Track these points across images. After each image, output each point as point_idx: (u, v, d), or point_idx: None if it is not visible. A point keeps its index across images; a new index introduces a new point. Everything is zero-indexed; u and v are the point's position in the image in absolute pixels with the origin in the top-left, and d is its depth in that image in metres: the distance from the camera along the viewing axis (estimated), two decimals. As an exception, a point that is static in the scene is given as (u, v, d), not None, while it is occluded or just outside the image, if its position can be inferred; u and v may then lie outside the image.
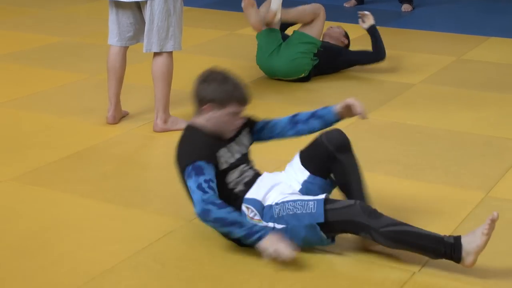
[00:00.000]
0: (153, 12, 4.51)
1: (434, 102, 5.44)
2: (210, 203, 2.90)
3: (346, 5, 9.04)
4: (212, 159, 3.03)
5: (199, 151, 3.07)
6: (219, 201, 2.93)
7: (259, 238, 2.90)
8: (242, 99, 3.03)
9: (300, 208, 2.96)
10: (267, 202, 3.06)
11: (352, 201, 2.98)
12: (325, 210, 2.88)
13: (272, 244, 2.76)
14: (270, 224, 2.97)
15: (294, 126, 3.34)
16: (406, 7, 8.63)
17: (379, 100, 5.38)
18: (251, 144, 3.35)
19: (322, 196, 2.97)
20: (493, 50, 6.87)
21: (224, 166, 3.08)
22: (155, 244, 3.23)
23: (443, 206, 3.76)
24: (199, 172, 2.97)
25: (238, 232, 2.94)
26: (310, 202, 2.94)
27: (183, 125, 4.67)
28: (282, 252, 2.75)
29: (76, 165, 4.28)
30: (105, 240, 3.28)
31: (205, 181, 2.97)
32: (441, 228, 3.34)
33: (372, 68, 6.12)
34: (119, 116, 4.84)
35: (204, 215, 2.94)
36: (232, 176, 3.13)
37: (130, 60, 4.99)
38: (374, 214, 2.92)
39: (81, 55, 6.50)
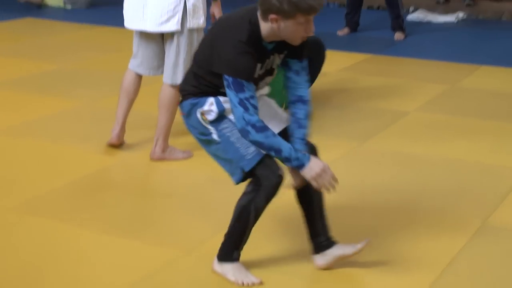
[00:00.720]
0: (180, 45, 4.62)
1: (429, 130, 5.48)
2: (250, 125, 2.96)
3: (340, 33, 9.07)
4: (252, 75, 3.05)
5: (243, 65, 3.03)
6: (259, 124, 2.98)
7: (299, 166, 3.01)
8: (309, 9, 2.87)
9: (241, 147, 3.06)
10: (230, 115, 3.10)
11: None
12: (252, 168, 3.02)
13: (316, 170, 2.95)
14: (212, 130, 3.08)
15: (293, 108, 3.23)
16: (398, 36, 8.70)
17: (374, 128, 5.42)
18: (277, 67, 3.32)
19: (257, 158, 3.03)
20: (486, 78, 6.94)
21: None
22: (154, 275, 3.25)
23: (440, 234, 3.76)
24: (240, 88, 3.02)
25: (277, 156, 3.05)
26: (250, 149, 3.05)
27: (180, 155, 4.73)
28: (325, 180, 2.98)
29: (73, 193, 4.28)
30: (103, 272, 3.31)
31: (246, 98, 3.00)
32: (438, 255, 3.49)
33: (367, 95, 6.20)
34: (123, 136, 4.89)
35: (243, 134, 3.02)
36: None
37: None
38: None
39: (78, 82, 6.50)
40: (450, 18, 9.99)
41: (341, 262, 3.30)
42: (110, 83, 6.31)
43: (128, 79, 4.92)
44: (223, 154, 3.16)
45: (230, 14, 3.16)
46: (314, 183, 3.01)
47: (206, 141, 3.20)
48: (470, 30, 9.57)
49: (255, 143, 2.98)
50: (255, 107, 2.99)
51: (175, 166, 4.76)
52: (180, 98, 3.28)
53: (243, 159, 3.06)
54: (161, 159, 4.85)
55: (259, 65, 3.06)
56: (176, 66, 4.68)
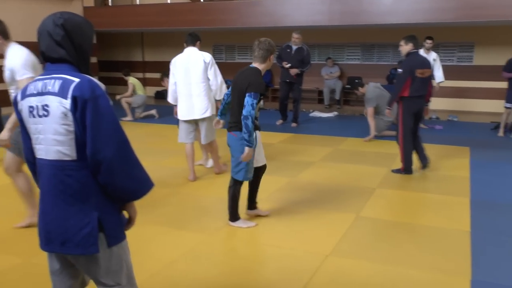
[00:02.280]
0: (204, 124, 5.33)
1: (325, 169, 5.90)
2: (251, 117, 3.57)
3: (278, 123, 9.37)
4: (263, 92, 3.69)
5: (262, 87, 3.66)
6: (253, 118, 3.59)
7: (248, 145, 3.60)
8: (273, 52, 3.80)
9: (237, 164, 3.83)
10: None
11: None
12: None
13: (250, 154, 3.61)
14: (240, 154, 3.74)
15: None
16: (294, 124, 9.17)
17: (300, 168, 5.77)
18: None
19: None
20: (351, 144, 7.54)
21: (262, 97, 3.72)
22: (189, 252, 3.69)
23: (330, 222, 4.21)
24: (256, 98, 3.59)
25: (246, 136, 3.60)
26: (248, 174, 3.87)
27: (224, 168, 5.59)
28: (248, 158, 3.66)
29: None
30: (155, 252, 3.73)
31: (256, 103, 3.60)
32: (332, 234, 3.88)
33: (291, 153, 6.56)
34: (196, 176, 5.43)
35: (244, 119, 3.56)
36: (259, 106, 3.74)
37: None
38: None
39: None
40: (330, 114, 10.93)
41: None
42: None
43: (188, 148, 5.42)
44: (240, 164, 3.84)
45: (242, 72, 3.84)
46: (243, 156, 3.66)
47: (237, 153, 3.82)
48: (340, 120, 10.29)
49: (245, 125, 3.58)
50: (255, 110, 3.63)
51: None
52: (231, 126, 3.83)
53: (246, 175, 3.89)
54: (220, 172, 5.61)
55: None
56: (205, 135, 5.40)
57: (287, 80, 9.06)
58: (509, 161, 6.62)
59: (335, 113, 11.31)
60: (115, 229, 1.91)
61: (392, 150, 7.10)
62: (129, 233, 2.02)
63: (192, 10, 11.61)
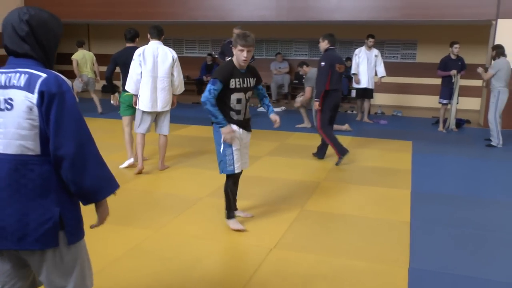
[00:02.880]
0: (167, 117, 5.51)
1: (272, 164, 5.95)
2: (208, 101, 3.56)
3: None
4: (224, 81, 3.59)
5: (221, 73, 3.62)
6: (213, 102, 3.57)
7: (220, 126, 3.59)
8: (242, 44, 3.54)
9: (225, 158, 3.72)
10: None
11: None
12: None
13: (227, 131, 3.53)
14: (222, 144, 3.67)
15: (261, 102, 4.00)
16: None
17: (255, 158, 6.07)
18: (253, 87, 3.83)
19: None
20: (299, 139, 7.66)
21: (232, 86, 3.64)
22: (136, 247, 3.75)
23: (276, 217, 4.29)
24: (214, 84, 3.57)
25: (214, 119, 3.61)
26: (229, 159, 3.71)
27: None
28: (227, 137, 3.57)
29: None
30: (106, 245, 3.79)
31: (214, 89, 3.57)
32: (278, 227, 3.97)
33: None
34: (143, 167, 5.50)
35: (203, 104, 3.57)
36: (234, 97, 3.66)
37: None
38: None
39: None
40: (278, 109, 11.01)
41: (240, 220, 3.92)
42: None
43: (140, 137, 5.53)
44: (219, 156, 3.76)
45: None
46: (223, 137, 3.61)
47: (216, 146, 3.75)
48: (288, 115, 10.30)
49: (206, 110, 3.58)
50: (214, 96, 3.58)
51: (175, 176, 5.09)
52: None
53: (226, 168, 3.74)
54: (164, 168, 5.65)
55: (238, 78, 3.65)
56: (165, 125, 5.58)
57: None
58: (447, 154, 6.92)
59: (283, 107, 11.44)
60: (75, 227, 1.88)
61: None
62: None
63: (139, 2, 11.40)
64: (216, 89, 3.60)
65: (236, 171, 3.75)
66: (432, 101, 12.02)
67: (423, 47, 12.15)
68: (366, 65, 9.45)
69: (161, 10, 11.11)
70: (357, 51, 9.60)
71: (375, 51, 9.41)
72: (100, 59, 11.76)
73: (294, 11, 10.35)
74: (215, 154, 3.84)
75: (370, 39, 9.28)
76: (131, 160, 5.73)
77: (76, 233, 1.88)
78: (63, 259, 1.87)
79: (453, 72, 8.42)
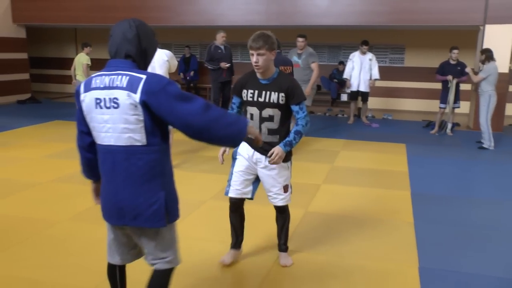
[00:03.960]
0: None
1: None
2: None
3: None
4: (236, 92, 3.07)
5: (235, 84, 3.09)
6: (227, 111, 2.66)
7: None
8: (249, 46, 2.87)
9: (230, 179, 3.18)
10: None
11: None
12: None
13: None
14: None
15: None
16: None
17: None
18: (278, 105, 2.95)
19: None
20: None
21: (245, 98, 3.04)
22: None
23: None
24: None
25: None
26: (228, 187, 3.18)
27: None
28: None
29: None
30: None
31: (232, 103, 3.14)
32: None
33: None
34: None
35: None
36: (248, 111, 3.03)
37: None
38: None
39: None
40: None
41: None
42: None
43: None
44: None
45: None
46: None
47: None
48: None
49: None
50: (233, 108, 3.07)
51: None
52: None
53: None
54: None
55: (250, 90, 2.99)
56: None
57: (222, 81, 8.65)
58: (442, 156, 7.03)
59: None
60: (175, 208, 2.17)
61: (334, 148, 7.33)
62: None
63: (125, 6, 11.33)
64: (234, 102, 3.16)
65: (229, 194, 3.20)
66: (420, 104, 12.24)
67: (411, 51, 12.32)
68: (358, 69, 9.56)
69: (150, 15, 11.06)
70: (351, 55, 9.73)
71: (369, 55, 9.57)
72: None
73: (284, 16, 10.41)
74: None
75: (364, 46, 9.44)
76: None
77: (175, 213, 2.18)
78: (164, 235, 2.16)
79: (449, 77, 8.53)
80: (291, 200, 3.25)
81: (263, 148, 3.00)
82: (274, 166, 3.05)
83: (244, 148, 3.10)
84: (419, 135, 8.78)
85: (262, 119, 2.97)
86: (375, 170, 6.16)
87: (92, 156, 2.22)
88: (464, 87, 11.00)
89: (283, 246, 3.36)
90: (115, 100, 2.01)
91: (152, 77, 2.01)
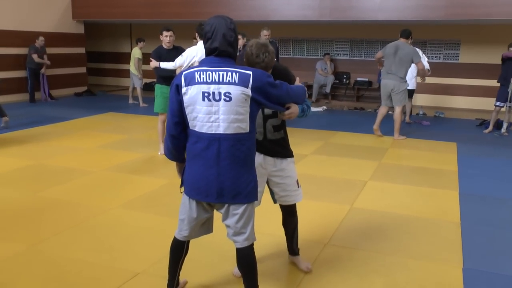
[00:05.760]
0: None
1: (318, 162, 6.03)
2: None
3: None
4: None
5: None
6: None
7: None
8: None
9: None
10: None
11: None
12: None
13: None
14: None
15: None
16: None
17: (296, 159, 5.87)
18: None
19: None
20: (341, 138, 7.69)
21: None
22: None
23: (327, 213, 4.34)
24: None
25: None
26: None
27: None
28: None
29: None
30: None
31: None
32: (329, 224, 4.06)
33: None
34: None
35: None
36: None
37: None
38: None
39: (158, 164, 5.65)
40: (319, 109, 11.06)
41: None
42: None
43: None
44: None
45: None
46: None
47: None
48: (328, 114, 10.45)
49: None
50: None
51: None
52: None
53: None
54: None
55: None
56: None
57: None
58: (494, 156, 6.80)
59: (324, 107, 11.45)
60: (257, 188, 2.50)
61: (382, 145, 7.26)
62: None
63: (180, 2, 11.58)
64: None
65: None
66: (474, 102, 11.82)
67: (466, 47, 11.92)
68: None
69: (205, 10, 11.22)
70: None
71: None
72: (144, 58, 12.04)
73: (337, 11, 10.34)
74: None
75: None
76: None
77: (257, 192, 2.50)
78: (249, 211, 2.47)
79: None
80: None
81: (270, 150, 2.90)
82: (284, 165, 2.97)
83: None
84: (471, 134, 8.53)
85: (266, 117, 2.81)
86: (423, 168, 6.05)
87: (182, 143, 2.46)
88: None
89: (297, 249, 3.26)
90: (227, 94, 2.29)
91: (255, 72, 2.33)
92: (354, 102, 12.60)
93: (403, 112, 9.54)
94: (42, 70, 11.40)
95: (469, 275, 3.21)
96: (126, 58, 13.61)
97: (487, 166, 6.21)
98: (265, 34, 7.68)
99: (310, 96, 12.48)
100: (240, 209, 2.45)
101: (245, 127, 2.35)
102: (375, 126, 7.91)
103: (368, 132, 8.17)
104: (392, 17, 9.97)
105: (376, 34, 12.35)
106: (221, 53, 2.35)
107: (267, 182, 3.00)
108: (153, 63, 5.85)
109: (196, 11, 11.43)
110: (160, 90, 6.06)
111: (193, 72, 2.33)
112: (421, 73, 7.88)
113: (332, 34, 12.91)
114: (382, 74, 8.04)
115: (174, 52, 5.94)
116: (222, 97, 2.29)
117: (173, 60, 5.79)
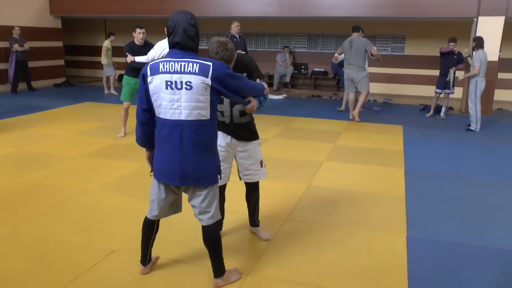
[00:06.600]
0: None
1: (279, 145, 5.95)
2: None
3: None
4: None
5: None
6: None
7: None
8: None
9: None
10: None
11: None
12: None
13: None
14: None
15: None
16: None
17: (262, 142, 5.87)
18: None
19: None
20: (300, 123, 7.65)
21: None
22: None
23: (286, 192, 4.39)
24: None
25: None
26: None
27: None
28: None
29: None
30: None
31: None
32: (288, 201, 4.01)
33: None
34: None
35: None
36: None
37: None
38: None
39: (131, 150, 5.30)
40: (280, 97, 11.03)
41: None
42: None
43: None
44: None
45: None
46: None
47: None
48: (288, 102, 10.41)
49: None
50: None
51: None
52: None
53: None
54: None
55: None
56: None
57: None
58: (436, 137, 6.96)
59: (284, 95, 11.43)
60: (220, 171, 2.48)
61: (336, 128, 7.30)
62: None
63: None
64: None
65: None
66: (418, 89, 12.10)
67: (411, 41, 12.15)
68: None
69: (173, 7, 10.96)
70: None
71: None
72: (115, 50, 11.81)
73: (295, 8, 10.32)
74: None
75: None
76: None
77: (219, 175, 2.48)
78: (213, 192, 2.47)
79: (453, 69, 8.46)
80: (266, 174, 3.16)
81: (236, 133, 2.94)
82: (249, 146, 3.01)
83: (221, 139, 2.92)
84: (415, 118, 8.70)
85: (232, 103, 2.82)
86: (373, 149, 6.14)
87: (150, 129, 2.43)
88: (459, 74, 10.85)
89: (257, 221, 3.30)
90: (188, 83, 2.27)
91: (215, 63, 2.30)
92: (311, 90, 12.66)
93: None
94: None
95: (412, 242, 3.29)
96: (101, 51, 13.24)
97: (429, 146, 6.35)
98: (236, 25, 8.05)
99: (271, 85, 12.49)
100: (204, 191, 2.46)
101: (206, 114, 2.33)
102: (355, 112, 8.07)
103: (325, 117, 8.22)
104: (345, 13, 10.03)
105: (331, 29, 12.43)
106: (183, 47, 2.33)
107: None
108: (130, 58, 5.82)
109: (166, 7, 11.19)
110: (127, 81, 6.09)
111: (158, 63, 2.32)
112: (376, 56, 7.97)
113: (291, 29, 12.91)
114: (344, 66, 8.25)
115: (145, 47, 5.98)
116: (184, 85, 2.28)
117: (145, 54, 5.78)
